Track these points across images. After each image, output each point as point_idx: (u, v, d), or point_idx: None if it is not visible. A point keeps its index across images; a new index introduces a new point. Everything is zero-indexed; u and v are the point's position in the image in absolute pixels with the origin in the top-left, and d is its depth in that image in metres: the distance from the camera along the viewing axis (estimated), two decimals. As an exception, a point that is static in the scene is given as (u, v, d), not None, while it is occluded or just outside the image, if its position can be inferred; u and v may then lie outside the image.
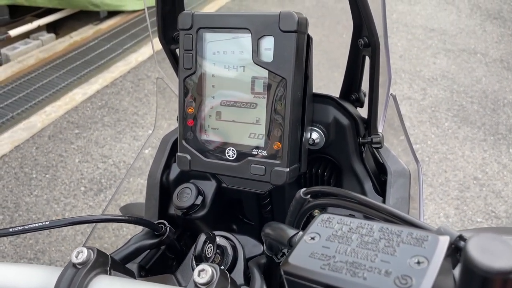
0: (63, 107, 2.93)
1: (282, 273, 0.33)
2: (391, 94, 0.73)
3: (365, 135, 0.69)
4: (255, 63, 0.58)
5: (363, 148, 0.70)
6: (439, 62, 3.58)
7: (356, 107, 0.72)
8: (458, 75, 3.40)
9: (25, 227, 0.52)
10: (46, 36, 3.66)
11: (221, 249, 0.63)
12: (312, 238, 0.34)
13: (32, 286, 0.47)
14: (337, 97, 0.68)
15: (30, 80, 3.18)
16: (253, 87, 0.59)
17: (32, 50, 3.51)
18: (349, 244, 0.33)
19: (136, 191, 2.32)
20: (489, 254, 0.23)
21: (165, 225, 0.65)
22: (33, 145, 2.62)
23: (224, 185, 0.72)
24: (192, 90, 0.63)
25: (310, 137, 0.67)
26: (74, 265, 0.47)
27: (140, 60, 3.47)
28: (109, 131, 2.75)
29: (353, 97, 0.72)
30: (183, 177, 0.77)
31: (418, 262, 0.29)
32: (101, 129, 2.76)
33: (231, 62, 0.60)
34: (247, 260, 0.64)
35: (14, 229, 0.52)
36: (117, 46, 3.65)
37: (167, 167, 0.79)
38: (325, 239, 0.34)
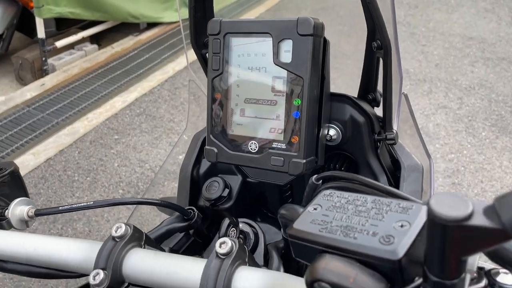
0: (104, 114, 3.08)
1: (288, 236, 0.38)
2: (403, 93, 0.77)
3: (380, 132, 0.74)
4: (275, 64, 0.64)
5: (378, 145, 0.74)
6: (477, 70, 3.52)
7: (373, 107, 0.77)
8: (496, 84, 3.34)
9: (72, 206, 0.59)
10: (90, 47, 3.86)
11: (244, 234, 0.69)
12: (315, 209, 0.40)
13: (78, 257, 0.55)
14: (353, 96, 0.73)
15: (74, 89, 3.36)
16: (274, 86, 0.65)
17: (76, 60, 3.71)
18: (345, 212, 0.38)
19: (171, 195, 2.41)
20: (447, 207, 0.27)
21: (193, 210, 0.71)
22: (75, 150, 2.77)
23: (248, 179, 0.78)
24: (219, 89, 0.69)
25: (328, 134, 0.72)
26: (113, 238, 0.53)
27: (177, 70, 3.60)
28: (147, 137, 2.87)
29: (370, 97, 0.76)
30: (212, 171, 0.84)
31: (402, 226, 0.34)
32: (139, 135, 2.88)
33: (254, 63, 0.66)
34: (267, 245, 0.69)
35: (63, 207, 0.59)
36: (155, 56, 3.81)
37: (198, 162, 0.85)
38: (325, 209, 0.39)
